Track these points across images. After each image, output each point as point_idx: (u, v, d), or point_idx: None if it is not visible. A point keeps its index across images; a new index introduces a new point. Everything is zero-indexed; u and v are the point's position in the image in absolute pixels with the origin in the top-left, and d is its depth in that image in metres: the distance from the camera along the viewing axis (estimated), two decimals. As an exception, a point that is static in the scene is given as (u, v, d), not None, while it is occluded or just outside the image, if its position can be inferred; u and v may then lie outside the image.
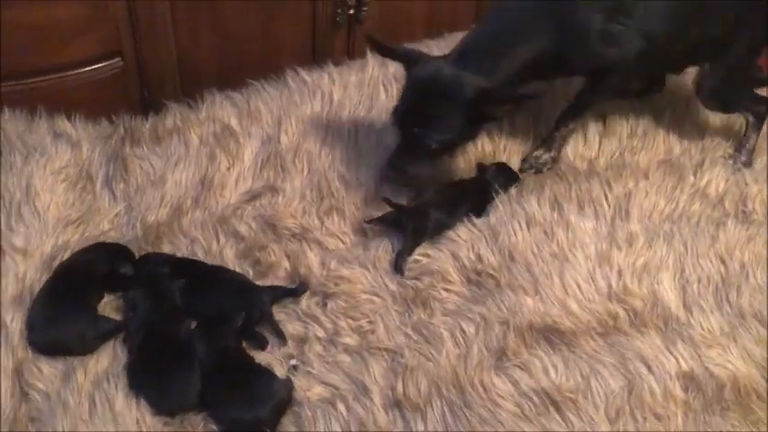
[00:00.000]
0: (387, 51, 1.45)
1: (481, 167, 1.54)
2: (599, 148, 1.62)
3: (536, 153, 1.57)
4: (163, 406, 1.17)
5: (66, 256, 1.33)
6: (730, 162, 1.60)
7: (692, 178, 1.54)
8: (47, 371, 1.19)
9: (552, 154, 1.57)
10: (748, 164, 1.61)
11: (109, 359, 1.22)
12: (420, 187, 1.48)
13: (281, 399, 1.18)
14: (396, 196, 1.46)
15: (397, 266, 1.36)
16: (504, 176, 1.52)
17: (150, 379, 1.18)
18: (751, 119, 1.62)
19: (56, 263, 1.32)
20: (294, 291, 1.34)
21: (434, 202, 1.43)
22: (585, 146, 1.63)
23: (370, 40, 1.46)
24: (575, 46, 1.40)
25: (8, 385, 1.15)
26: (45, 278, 1.29)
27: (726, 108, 1.63)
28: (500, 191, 1.47)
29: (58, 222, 1.37)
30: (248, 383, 1.20)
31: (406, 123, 1.40)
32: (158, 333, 1.22)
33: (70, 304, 1.23)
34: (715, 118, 1.70)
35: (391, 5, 1.79)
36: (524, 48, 1.38)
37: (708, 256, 1.37)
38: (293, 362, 1.25)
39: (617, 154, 1.61)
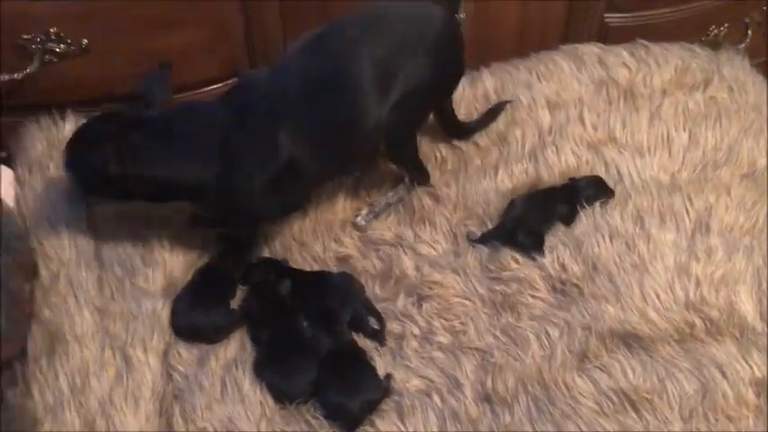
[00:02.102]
0: None
1: (573, 179, 1.62)
2: (682, 161, 1.68)
3: None
4: (282, 395, 1.32)
5: (200, 256, 1.52)
6: (363, 213, 1.59)
7: (774, 193, 1.60)
8: (185, 355, 1.37)
9: None
10: (372, 218, 1.60)
11: (237, 348, 1.39)
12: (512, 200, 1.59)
13: (372, 397, 1.31)
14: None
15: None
16: (594, 189, 1.59)
17: (273, 371, 1.34)
18: (404, 185, 1.62)
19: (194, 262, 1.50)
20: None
21: (530, 215, 1.54)
22: (670, 159, 1.68)
23: None
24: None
25: (159, 365, 1.34)
26: (185, 274, 1.47)
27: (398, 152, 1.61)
28: (585, 204, 1.55)
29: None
30: (348, 374, 1.34)
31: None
32: (281, 331, 1.39)
33: (208, 300, 1.42)
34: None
35: (483, 25, 1.89)
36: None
37: (787, 270, 1.44)
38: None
39: (699, 168, 1.66)
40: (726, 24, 2.09)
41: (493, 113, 1.74)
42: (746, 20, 2.12)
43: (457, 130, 1.72)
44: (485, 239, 1.54)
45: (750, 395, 1.25)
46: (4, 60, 1.62)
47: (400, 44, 1.46)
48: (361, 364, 1.36)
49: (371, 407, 1.31)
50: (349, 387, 1.32)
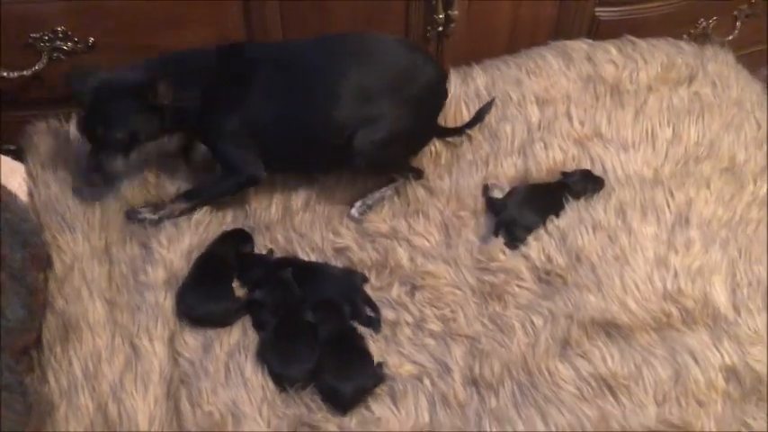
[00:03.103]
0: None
1: (565, 173, 1.69)
2: (665, 156, 1.74)
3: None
4: (281, 379, 1.39)
5: (196, 248, 1.58)
6: (357, 205, 1.68)
7: (751, 186, 1.65)
8: (191, 342, 1.44)
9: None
10: (366, 210, 1.68)
11: (239, 334, 1.46)
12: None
13: (366, 384, 1.37)
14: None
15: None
16: (584, 181, 1.65)
17: (275, 356, 1.41)
18: (399, 180, 1.71)
19: (192, 255, 1.57)
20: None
21: (528, 203, 1.61)
22: (653, 154, 1.74)
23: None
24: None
25: (165, 352, 1.42)
26: (184, 266, 1.54)
27: (380, 173, 1.71)
28: (572, 197, 1.61)
29: (201, 224, 1.64)
30: (344, 360, 1.41)
31: (90, 125, 1.55)
32: (287, 319, 1.45)
33: (214, 285, 1.49)
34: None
35: (477, 23, 1.94)
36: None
37: (761, 262, 1.50)
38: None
39: (681, 162, 1.72)
40: (714, 17, 2.13)
41: (480, 114, 1.81)
42: (735, 12, 2.17)
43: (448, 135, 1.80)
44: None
45: (720, 381, 1.33)
46: (13, 58, 1.68)
47: (386, 79, 1.60)
48: (359, 351, 1.43)
49: (365, 392, 1.38)
50: (344, 372, 1.39)
